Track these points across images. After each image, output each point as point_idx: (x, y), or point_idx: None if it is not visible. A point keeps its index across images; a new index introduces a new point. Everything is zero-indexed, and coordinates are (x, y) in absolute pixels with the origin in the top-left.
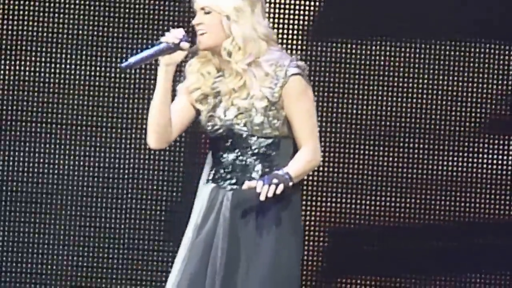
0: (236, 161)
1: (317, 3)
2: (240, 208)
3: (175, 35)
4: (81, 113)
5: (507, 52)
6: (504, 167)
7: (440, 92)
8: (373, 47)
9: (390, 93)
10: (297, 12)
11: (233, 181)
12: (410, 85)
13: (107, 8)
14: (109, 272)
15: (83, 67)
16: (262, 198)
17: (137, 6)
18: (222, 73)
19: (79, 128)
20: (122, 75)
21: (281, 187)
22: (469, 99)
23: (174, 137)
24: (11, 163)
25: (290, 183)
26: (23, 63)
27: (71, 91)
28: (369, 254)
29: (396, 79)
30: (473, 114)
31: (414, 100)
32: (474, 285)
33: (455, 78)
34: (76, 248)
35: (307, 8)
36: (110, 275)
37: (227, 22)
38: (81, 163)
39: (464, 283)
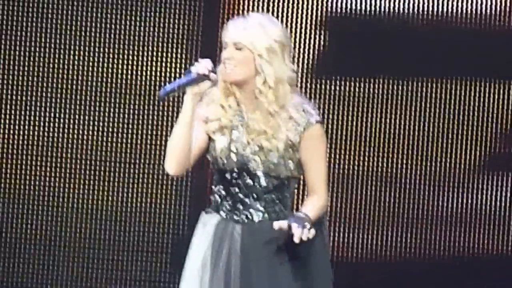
0: (246, 196)
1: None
2: (252, 243)
3: (205, 65)
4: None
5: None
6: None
7: (441, 129)
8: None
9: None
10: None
11: (243, 216)
12: (412, 122)
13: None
14: None
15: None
16: (296, 240)
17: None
18: (242, 108)
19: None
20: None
21: (312, 231)
22: (469, 136)
23: (193, 163)
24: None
25: (311, 225)
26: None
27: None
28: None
29: (395, 116)
30: (472, 152)
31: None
32: None
33: (455, 116)
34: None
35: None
36: None
37: (259, 60)
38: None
39: None
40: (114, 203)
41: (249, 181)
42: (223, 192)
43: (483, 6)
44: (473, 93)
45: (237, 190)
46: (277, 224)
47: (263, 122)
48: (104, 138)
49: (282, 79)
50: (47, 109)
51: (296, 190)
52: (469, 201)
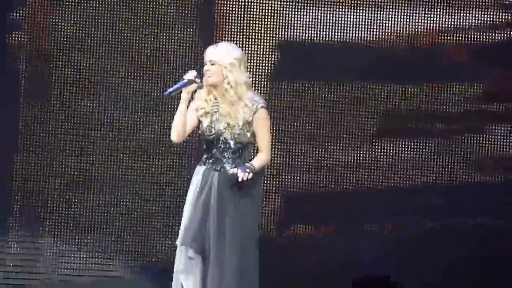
0: (221, 154)
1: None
2: (223, 183)
3: (192, 74)
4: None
5: None
6: None
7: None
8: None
9: None
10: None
11: (219, 166)
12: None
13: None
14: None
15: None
16: (240, 179)
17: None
18: (217, 100)
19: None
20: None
21: (251, 175)
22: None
23: (187, 135)
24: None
25: (254, 171)
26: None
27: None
28: None
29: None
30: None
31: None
32: None
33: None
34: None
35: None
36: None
37: (225, 71)
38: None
39: None
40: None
41: (223, 145)
42: (208, 153)
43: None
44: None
45: (216, 151)
46: (231, 171)
47: (228, 108)
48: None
49: (239, 82)
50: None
51: (252, 152)
52: None
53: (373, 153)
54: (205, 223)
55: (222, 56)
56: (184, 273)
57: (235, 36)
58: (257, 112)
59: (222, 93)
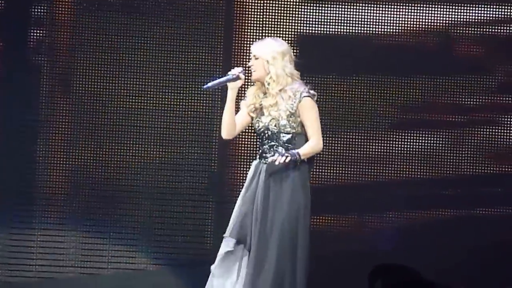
0: (271, 147)
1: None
2: (271, 175)
3: (237, 70)
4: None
5: None
6: None
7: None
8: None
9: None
10: None
11: (268, 159)
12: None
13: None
14: None
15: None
16: (276, 163)
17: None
18: (265, 95)
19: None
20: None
21: (288, 158)
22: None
23: (238, 132)
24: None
25: (299, 158)
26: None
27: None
28: None
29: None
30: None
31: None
32: None
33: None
34: None
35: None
36: None
37: (267, 64)
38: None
39: None
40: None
41: (271, 138)
42: (260, 147)
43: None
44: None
45: (266, 144)
46: (271, 158)
47: (272, 100)
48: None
49: (281, 74)
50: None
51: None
52: None
53: (392, 144)
54: (250, 215)
55: (264, 49)
56: (218, 268)
57: (253, 32)
58: (301, 101)
59: (266, 87)
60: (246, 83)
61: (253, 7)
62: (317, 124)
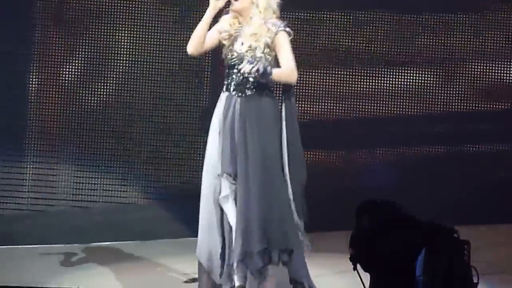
0: (243, 79)
1: None
2: (245, 108)
3: None
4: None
5: None
6: None
7: None
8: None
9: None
10: None
11: (240, 92)
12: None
13: None
14: None
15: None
16: (245, 71)
17: None
18: (241, 25)
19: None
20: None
21: (257, 68)
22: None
23: (204, 50)
24: None
25: (269, 74)
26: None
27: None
28: None
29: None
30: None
31: None
32: None
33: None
34: None
35: None
36: None
37: None
38: None
39: None
40: None
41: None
42: (229, 78)
43: None
44: None
45: (237, 75)
46: (241, 69)
47: (253, 30)
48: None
49: (267, 8)
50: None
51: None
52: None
53: (382, 81)
54: (234, 149)
55: None
56: (226, 199)
57: None
58: (277, 34)
59: (248, 18)
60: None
61: None
62: (290, 56)
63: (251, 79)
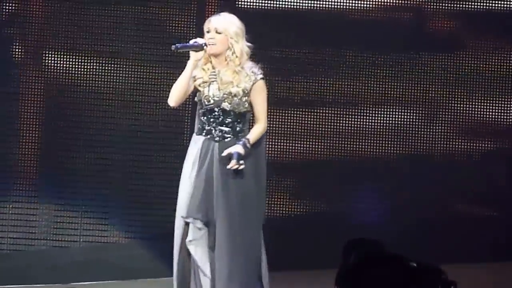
0: (221, 124)
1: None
2: (222, 155)
3: (204, 41)
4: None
5: None
6: None
7: None
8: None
9: None
10: None
11: (218, 137)
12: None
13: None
14: None
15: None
16: (230, 167)
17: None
18: (215, 70)
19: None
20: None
21: (242, 166)
22: None
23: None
24: None
25: (249, 144)
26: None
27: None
28: None
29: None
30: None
31: None
32: None
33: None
34: None
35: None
36: None
37: (230, 40)
38: None
39: None
40: None
41: (222, 115)
42: (206, 122)
43: None
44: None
45: (214, 120)
46: (226, 152)
47: (231, 76)
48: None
49: (243, 52)
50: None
51: (251, 120)
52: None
53: (367, 120)
54: (208, 195)
55: (227, 25)
56: (193, 244)
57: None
58: (256, 83)
59: (223, 62)
60: None
61: None
62: (265, 107)
63: (227, 124)
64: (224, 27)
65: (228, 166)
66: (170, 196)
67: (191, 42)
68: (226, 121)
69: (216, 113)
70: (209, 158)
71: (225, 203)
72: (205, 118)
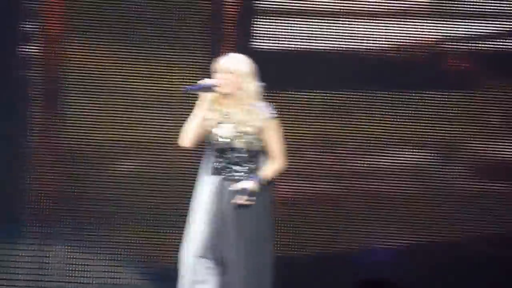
0: (234, 163)
1: None
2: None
3: (213, 81)
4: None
5: None
6: None
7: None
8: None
9: None
10: None
11: (232, 176)
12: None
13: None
14: None
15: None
16: (238, 203)
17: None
18: (227, 111)
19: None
20: None
21: (248, 202)
22: None
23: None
24: None
25: (264, 182)
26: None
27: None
28: None
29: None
30: None
31: None
32: None
33: None
34: None
35: None
36: None
37: (241, 79)
38: None
39: None
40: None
41: (235, 154)
42: (219, 162)
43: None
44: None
45: (227, 160)
46: (238, 185)
47: (243, 115)
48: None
49: (253, 92)
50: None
51: (265, 158)
52: None
53: (379, 159)
54: (221, 233)
55: (239, 65)
56: (201, 283)
57: (241, 45)
58: (268, 121)
59: (234, 102)
60: None
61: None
62: (281, 145)
63: (241, 163)
64: (235, 67)
65: (237, 201)
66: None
67: (201, 83)
68: (238, 160)
69: (228, 152)
70: (221, 197)
71: (237, 243)
72: (217, 158)
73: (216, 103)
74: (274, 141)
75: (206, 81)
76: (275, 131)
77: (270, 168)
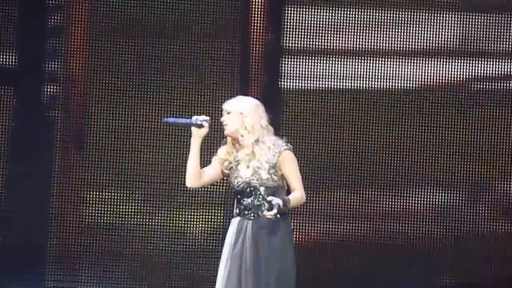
0: (253, 202)
1: None
2: (257, 231)
3: (203, 118)
4: None
5: None
6: None
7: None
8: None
9: None
10: None
11: (252, 215)
12: None
13: None
14: None
15: None
16: (270, 216)
17: None
18: (238, 153)
19: None
20: None
21: (279, 204)
22: None
23: (204, 184)
24: None
25: (289, 202)
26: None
27: None
28: None
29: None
30: None
31: None
32: None
33: None
34: None
35: None
36: None
37: (241, 116)
38: None
39: None
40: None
41: (254, 193)
42: (240, 202)
43: None
44: None
45: (248, 200)
46: (270, 197)
47: (250, 153)
48: None
49: (257, 126)
50: None
51: (285, 195)
52: None
53: (406, 201)
54: (241, 275)
55: (237, 103)
56: None
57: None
58: (281, 154)
59: (243, 142)
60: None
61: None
62: (299, 177)
63: (260, 202)
64: (232, 107)
65: (265, 213)
66: (205, 279)
67: (185, 119)
68: (259, 199)
69: (247, 193)
70: (242, 237)
71: (255, 283)
72: (238, 199)
73: (230, 146)
74: (290, 173)
75: (196, 118)
76: (290, 163)
77: (294, 195)
